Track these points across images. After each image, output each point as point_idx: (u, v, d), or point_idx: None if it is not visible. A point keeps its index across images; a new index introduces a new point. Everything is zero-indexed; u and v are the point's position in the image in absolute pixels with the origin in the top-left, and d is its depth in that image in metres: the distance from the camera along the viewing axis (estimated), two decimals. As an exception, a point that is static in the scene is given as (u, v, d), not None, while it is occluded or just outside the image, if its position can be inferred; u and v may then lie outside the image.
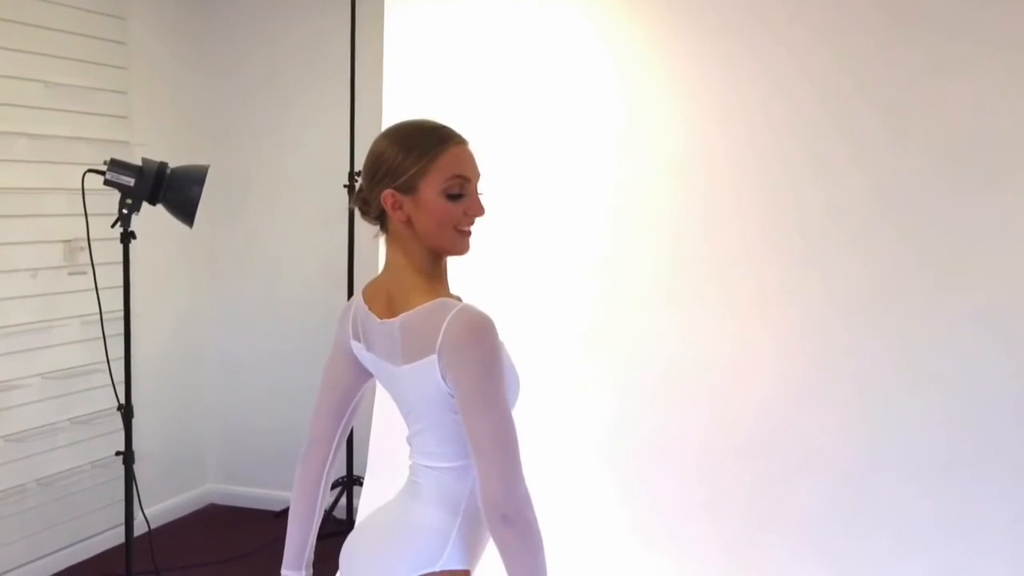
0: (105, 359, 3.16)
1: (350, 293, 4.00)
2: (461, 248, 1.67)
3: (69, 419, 3.82)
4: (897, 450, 3.06)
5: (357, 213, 1.73)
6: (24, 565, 3.68)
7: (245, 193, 4.53)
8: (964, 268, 2.98)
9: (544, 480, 2.32)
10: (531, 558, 1.53)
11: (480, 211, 1.66)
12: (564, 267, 3.41)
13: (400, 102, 3.56)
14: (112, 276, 3.91)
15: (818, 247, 3.13)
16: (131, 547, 3.06)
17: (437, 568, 1.63)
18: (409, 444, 1.76)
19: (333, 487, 3.93)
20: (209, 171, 3.00)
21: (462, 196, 1.64)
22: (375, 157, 1.66)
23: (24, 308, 3.63)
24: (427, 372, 1.58)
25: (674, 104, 3.28)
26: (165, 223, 3.90)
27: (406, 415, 1.73)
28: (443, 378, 1.57)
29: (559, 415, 3.37)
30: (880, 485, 3.08)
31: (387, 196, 1.63)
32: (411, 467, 1.76)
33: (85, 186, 3.00)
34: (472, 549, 1.67)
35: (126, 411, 3.05)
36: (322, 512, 1.85)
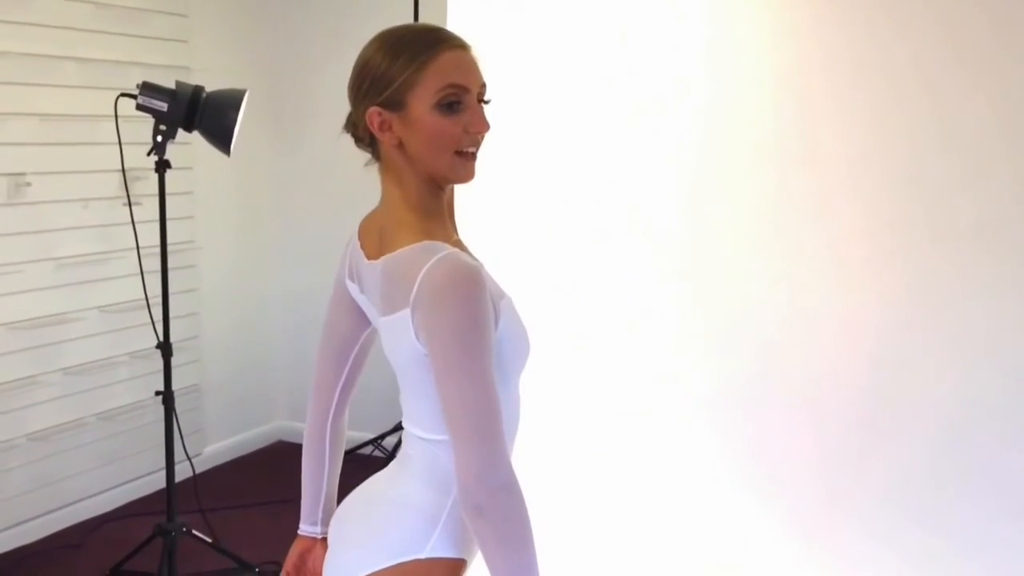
0: (162, 293, 3.03)
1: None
2: (463, 174, 1.41)
3: (128, 353, 3.75)
4: (1007, 407, 2.70)
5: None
6: (82, 500, 3.66)
7: (310, 122, 4.33)
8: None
9: (650, 433, 2.19)
10: (511, 555, 1.29)
11: (484, 126, 1.40)
12: (656, 207, 3.10)
13: (466, 26, 3.28)
14: (169, 206, 3.81)
15: (927, 182, 2.74)
16: (172, 491, 2.95)
17: (423, 556, 1.40)
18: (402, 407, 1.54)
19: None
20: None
21: (459, 110, 1.37)
22: (360, 67, 1.42)
23: (79, 239, 3.54)
24: (402, 328, 1.35)
25: (771, 22, 2.90)
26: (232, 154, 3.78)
27: (396, 372, 1.50)
28: (417, 337, 1.34)
29: (664, 370, 3.11)
30: (987, 445, 2.73)
31: (372, 115, 1.38)
32: (404, 434, 1.53)
33: (120, 112, 2.83)
34: (469, 536, 1.43)
35: (165, 349, 2.91)
36: (336, 463, 1.67)
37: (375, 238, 1.46)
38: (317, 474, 1.65)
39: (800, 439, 2.99)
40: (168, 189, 3.79)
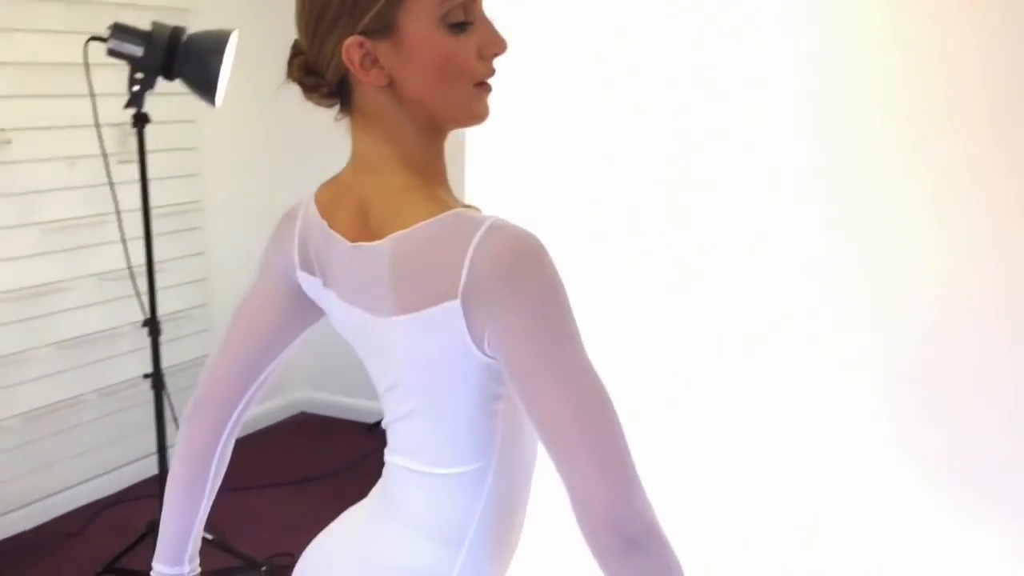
0: (146, 263, 2.70)
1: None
2: (481, 111, 1.07)
3: (131, 323, 3.44)
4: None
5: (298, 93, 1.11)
6: (82, 483, 3.39)
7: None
8: None
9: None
10: None
11: (502, 45, 1.05)
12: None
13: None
14: (169, 164, 3.48)
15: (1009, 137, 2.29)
16: (165, 460, 2.65)
17: None
18: (387, 434, 1.18)
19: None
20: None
21: (468, 28, 1.03)
22: None
23: (66, 202, 3.22)
24: (441, 327, 1.01)
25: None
26: (239, 103, 3.43)
27: (386, 388, 1.15)
28: (472, 334, 1.00)
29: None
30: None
31: (351, 48, 1.02)
32: (387, 468, 1.18)
33: (90, 60, 2.48)
34: None
35: (152, 326, 2.59)
36: (214, 491, 1.31)
37: (350, 213, 1.09)
38: (191, 505, 1.28)
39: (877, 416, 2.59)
40: (168, 145, 3.49)
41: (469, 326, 0.99)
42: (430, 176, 1.07)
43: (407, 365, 1.09)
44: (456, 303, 0.98)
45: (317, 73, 1.07)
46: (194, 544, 1.31)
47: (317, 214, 1.14)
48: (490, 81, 1.06)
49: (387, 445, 1.18)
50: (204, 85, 2.38)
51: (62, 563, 3.03)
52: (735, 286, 2.32)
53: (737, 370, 2.34)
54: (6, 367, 3.11)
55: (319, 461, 3.71)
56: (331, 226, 1.12)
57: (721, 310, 2.33)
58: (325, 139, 4.21)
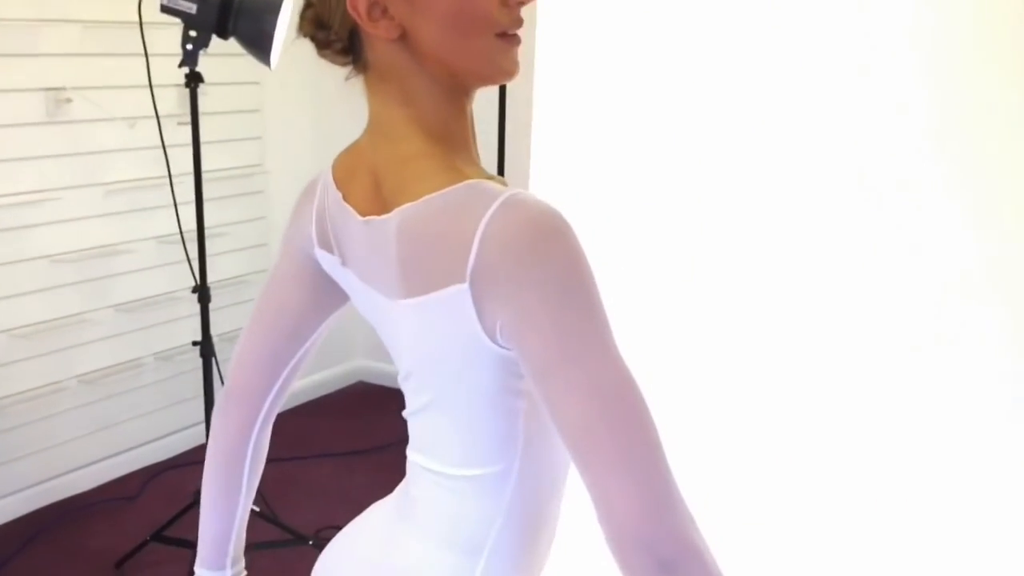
0: (197, 229, 2.63)
1: (502, 151, 3.29)
2: (508, 67, 0.94)
3: (188, 287, 3.40)
4: None
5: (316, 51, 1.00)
6: (139, 446, 3.39)
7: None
8: None
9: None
10: None
11: None
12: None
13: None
14: (231, 126, 3.43)
15: None
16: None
17: None
18: (408, 427, 1.08)
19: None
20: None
21: None
22: None
23: (128, 163, 3.18)
24: (449, 312, 0.90)
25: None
26: (301, 64, 3.35)
27: (403, 377, 1.04)
28: (483, 323, 0.88)
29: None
30: None
31: None
32: (408, 466, 1.08)
33: (145, 18, 2.41)
34: None
35: (202, 294, 2.54)
36: (253, 490, 1.22)
37: (365, 184, 0.98)
38: (229, 505, 1.19)
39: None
40: (231, 107, 3.43)
41: (479, 313, 0.87)
42: (450, 143, 0.94)
43: (417, 354, 0.99)
44: (464, 287, 0.87)
45: (328, 27, 0.95)
46: (236, 545, 1.22)
47: (333, 186, 1.03)
48: (519, 32, 0.93)
49: (409, 440, 1.09)
50: (259, 45, 2.30)
51: (117, 526, 3.03)
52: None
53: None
54: (66, 329, 3.10)
55: (374, 432, 3.65)
56: (346, 199, 1.01)
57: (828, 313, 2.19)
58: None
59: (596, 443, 0.83)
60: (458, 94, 0.95)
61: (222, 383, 2.62)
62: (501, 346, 0.89)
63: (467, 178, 0.89)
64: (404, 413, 1.06)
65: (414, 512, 1.04)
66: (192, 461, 3.41)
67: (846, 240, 2.29)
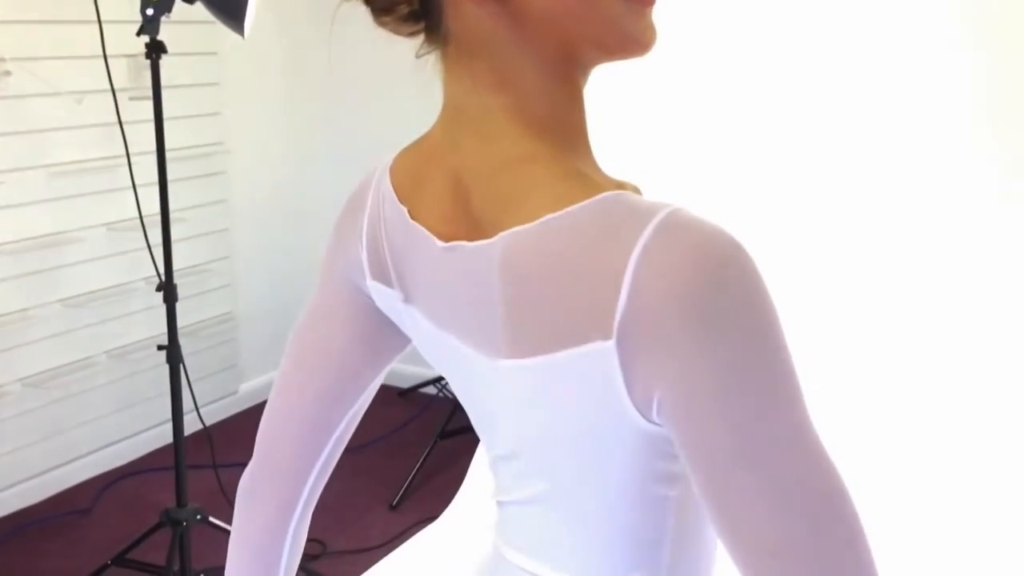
0: (161, 217, 2.34)
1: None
2: (639, 34, 0.70)
3: (144, 278, 3.12)
4: None
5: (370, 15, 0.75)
6: (92, 452, 3.09)
7: None
8: None
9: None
10: None
11: None
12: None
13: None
14: (187, 102, 3.12)
15: None
16: (182, 473, 2.34)
17: None
18: (498, 511, 0.85)
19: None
20: None
21: None
22: None
23: (75, 141, 2.87)
24: (583, 379, 0.66)
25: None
26: (264, 32, 3.06)
27: (498, 457, 0.81)
28: (631, 394, 0.65)
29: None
30: None
31: None
32: (502, 566, 0.84)
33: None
34: None
35: (167, 291, 2.26)
36: None
37: (442, 195, 0.74)
38: None
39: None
40: (187, 80, 3.12)
41: (628, 381, 0.64)
42: (565, 140, 0.71)
43: (529, 431, 0.75)
44: (609, 344, 0.63)
45: None
46: None
47: (393, 197, 0.78)
48: None
49: (497, 525, 0.85)
50: (230, 10, 2.02)
51: (72, 545, 2.75)
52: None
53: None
54: (8, 327, 2.80)
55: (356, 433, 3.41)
56: (412, 215, 0.76)
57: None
58: (367, 75, 3.71)
59: (777, 561, 0.61)
60: (573, 74, 0.72)
61: (188, 384, 2.35)
62: (654, 423, 0.67)
63: (600, 188, 0.66)
64: (498, 498, 0.82)
65: None
66: (151, 467, 3.13)
67: (867, 242, 2.14)
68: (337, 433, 0.90)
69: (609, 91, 1.96)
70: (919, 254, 2.02)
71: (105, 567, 2.51)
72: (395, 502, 2.87)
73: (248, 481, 0.92)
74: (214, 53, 3.23)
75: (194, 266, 3.26)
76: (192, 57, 3.13)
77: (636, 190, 0.70)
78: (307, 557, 2.62)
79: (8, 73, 2.65)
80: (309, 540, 2.86)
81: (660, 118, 2.08)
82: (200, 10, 2.22)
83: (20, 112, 2.73)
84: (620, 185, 0.69)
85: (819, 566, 0.61)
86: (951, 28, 1.90)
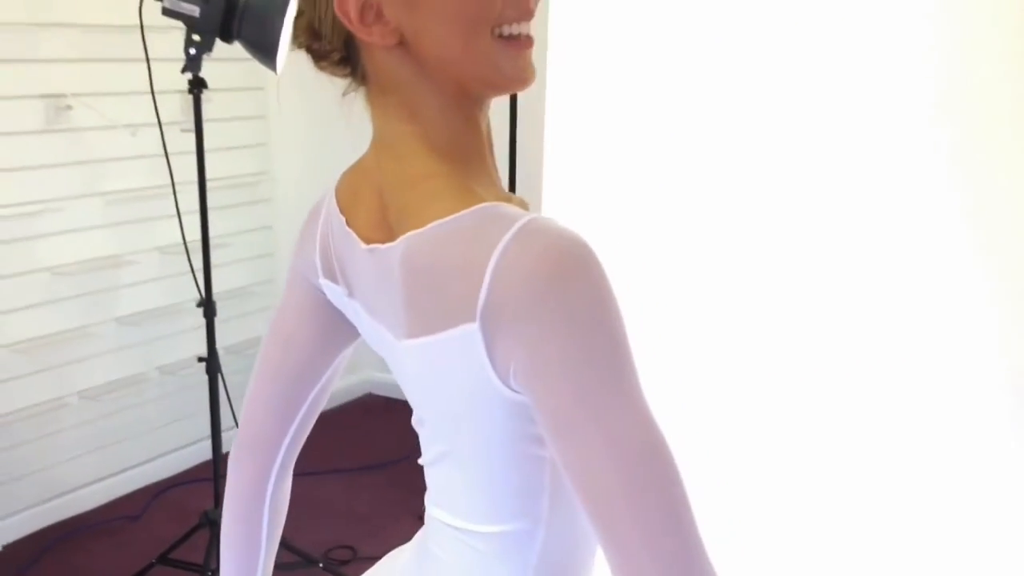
0: (201, 240, 2.53)
1: (514, 160, 3.18)
2: (519, 71, 0.84)
3: (194, 299, 3.31)
4: None
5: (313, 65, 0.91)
6: (143, 463, 3.29)
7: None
8: None
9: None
10: None
11: None
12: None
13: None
14: (235, 133, 3.33)
15: None
16: (220, 476, 2.50)
17: None
18: (426, 477, 0.98)
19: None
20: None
21: None
22: None
23: (130, 171, 3.09)
24: (458, 355, 0.79)
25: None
26: (308, 68, 3.26)
27: (416, 423, 0.95)
28: (495, 366, 0.78)
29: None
30: None
31: (348, 0, 0.81)
32: (428, 519, 0.98)
33: (146, 22, 2.32)
34: None
35: (207, 308, 2.44)
36: (274, 547, 1.12)
37: (371, 207, 0.89)
38: (249, 561, 1.10)
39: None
40: (234, 113, 3.34)
41: (491, 356, 0.77)
42: (462, 160, 0.84)
43: (427, 400, 0.89)
44: (474, 326, 0.76)
45: (321, 36, 0.85)
46: None
47: (336, 208, 0.93)
48: (530, 33, 0.83)
49: (427, 490, 0.99)
50: (264, 48, 2.20)
51: (121, 547, 2.93)
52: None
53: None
54: (68, 343, 3.01)
55: (383, 447, 3.55)
56: (350, 223, 0.91)
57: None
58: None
59: (616, 514, 0.73)
60: (468, 105, 0.85)
61: (228, 398, 2.52)
62: (516, 391, 0.79)
63: (481, 201, 0.79)
64: (420, 461, 0.96)
65: (435, 571, 0.95)
66: (197, 478, 3.31)
67: (861, 242, 2.20)
68: (304, 408, 1.06)
69: (609, 91, 2.08)
70: (912, 255, 2.09)
71: (150, 566, 2.68)
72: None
73: (235, 450, 1.09)
74: (261, 88, 3.44)
75: (239, 288, 3.45)
76: (239, 92, 3.34)
77: (522, 203, 0.84)
78: (337, 562, 2.76)
79: (69, 107, 2.88)
80: (340, 547, 3.00)
81: (658, 118, 2.15)
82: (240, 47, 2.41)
83: (79, 144, 2.95)
84: (508, 199, 0.83)
85: (639, 511, 0.72)
86: (925, 29, 1.98)
